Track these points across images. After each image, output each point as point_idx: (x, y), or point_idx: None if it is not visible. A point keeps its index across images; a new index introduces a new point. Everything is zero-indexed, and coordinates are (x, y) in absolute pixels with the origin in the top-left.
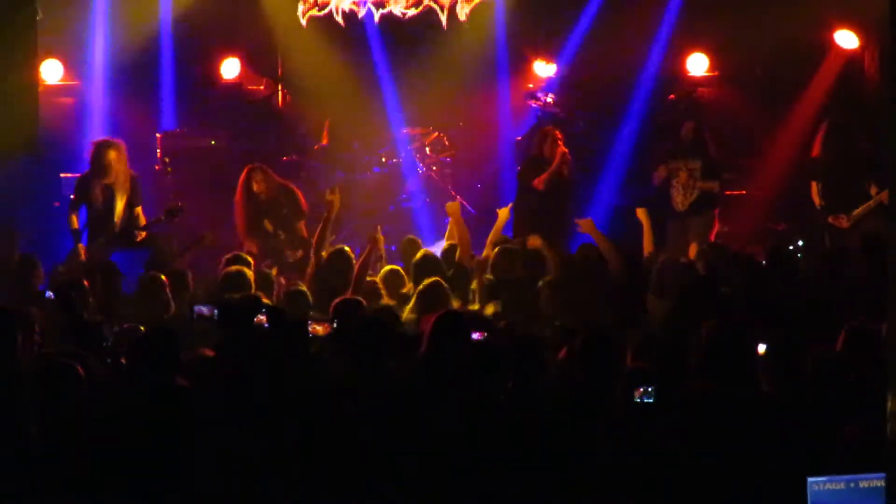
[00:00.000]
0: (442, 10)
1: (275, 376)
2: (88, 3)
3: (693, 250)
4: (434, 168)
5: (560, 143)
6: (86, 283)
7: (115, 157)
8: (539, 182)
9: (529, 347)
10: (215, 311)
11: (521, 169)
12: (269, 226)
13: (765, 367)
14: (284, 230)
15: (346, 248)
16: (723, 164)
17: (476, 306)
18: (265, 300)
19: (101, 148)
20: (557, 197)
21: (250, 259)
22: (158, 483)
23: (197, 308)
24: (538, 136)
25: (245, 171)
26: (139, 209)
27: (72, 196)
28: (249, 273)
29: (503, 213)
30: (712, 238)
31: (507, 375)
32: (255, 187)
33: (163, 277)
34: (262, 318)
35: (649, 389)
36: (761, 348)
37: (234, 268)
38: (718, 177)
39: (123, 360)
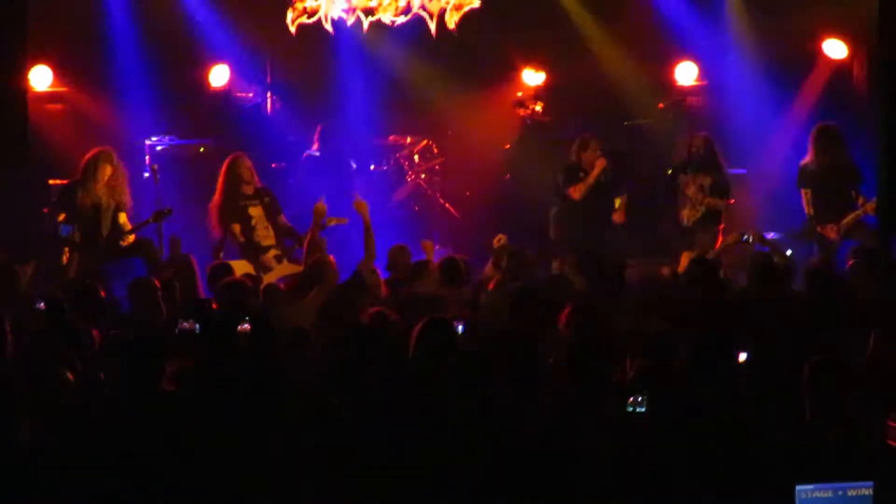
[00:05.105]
0: (431, 19)
1: (258, 382)
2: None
3: (684, 261)
4: (423, 176)
5: (599, 151)
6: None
7: (111, 174)
8: (575, 191)
9: (522, 352)
10: (197, 326)
11: (560, 177)
12: (253, 212)
13: (746, 376)
14: (268, 219)
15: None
16: (731, 182)
17: None
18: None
19: (98, 160)
20: (594, 205)
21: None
22: (149, 485)
23: (181, 323)
24: (578, 142)
25: (229, 158)
26: (123, 216)
27: (55, 200)
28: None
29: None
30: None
31: (491, 382)
32: (243, 174)
33: (154, 282)
34: (246, 326)
35: (641, 398)
36: (742, 357)
37: (230, 279)
38: (727, 195)
39: (111, 366)
